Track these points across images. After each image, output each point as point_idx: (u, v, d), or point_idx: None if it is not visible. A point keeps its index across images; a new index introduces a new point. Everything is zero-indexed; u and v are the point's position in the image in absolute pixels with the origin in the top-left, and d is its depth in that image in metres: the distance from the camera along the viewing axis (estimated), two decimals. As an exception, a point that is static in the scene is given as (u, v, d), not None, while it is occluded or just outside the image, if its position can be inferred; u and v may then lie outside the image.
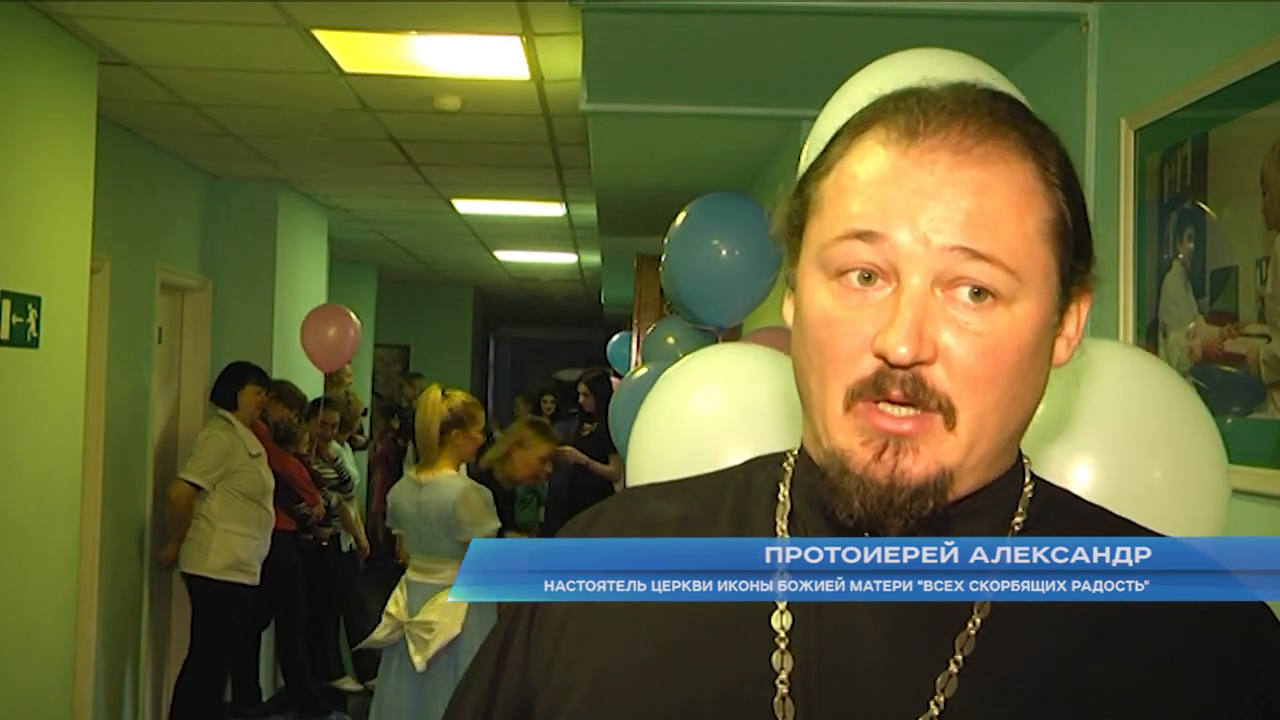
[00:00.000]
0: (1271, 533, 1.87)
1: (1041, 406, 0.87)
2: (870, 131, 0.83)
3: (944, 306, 0.78)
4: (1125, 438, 1.35)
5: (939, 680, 0.80)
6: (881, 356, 0.78)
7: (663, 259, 3.61)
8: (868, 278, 0.80)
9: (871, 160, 0.81)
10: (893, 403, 0.79)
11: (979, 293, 0.78)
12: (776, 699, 0.81)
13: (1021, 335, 0.79)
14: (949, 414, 0.79)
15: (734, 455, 1.49)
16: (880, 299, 0.79)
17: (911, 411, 0.79)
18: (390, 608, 4.16)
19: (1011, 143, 0.80)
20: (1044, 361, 0.83)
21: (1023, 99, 0.92)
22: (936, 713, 0.79)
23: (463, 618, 4.06)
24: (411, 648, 4.07)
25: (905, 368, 0.78)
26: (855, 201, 0.80)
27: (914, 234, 0.78)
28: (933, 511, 0.80)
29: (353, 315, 6.80)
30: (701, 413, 1.63)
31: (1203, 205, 2.05)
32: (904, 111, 0.82)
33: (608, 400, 6.69)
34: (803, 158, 1.56)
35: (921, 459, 0.79)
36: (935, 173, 0.79)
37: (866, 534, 0.81)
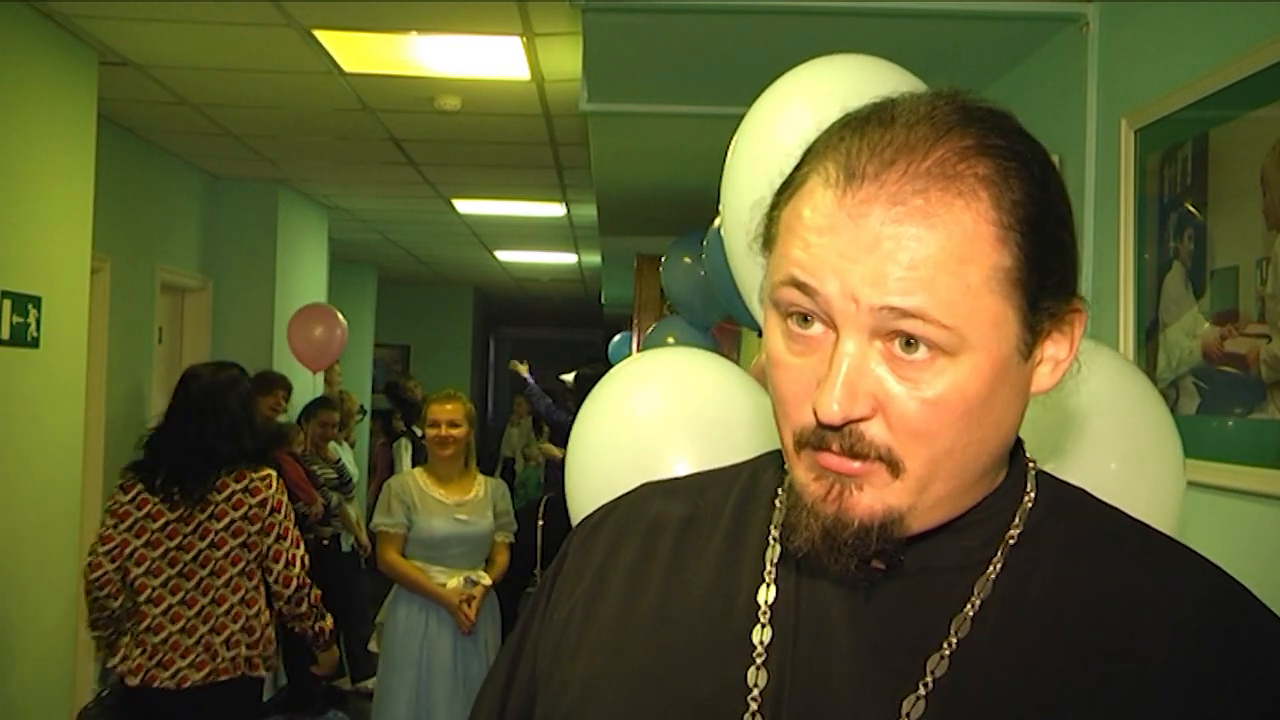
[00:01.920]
0: (1272, 533, 1.87)
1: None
2: (820, 164, 0.79)
3: (882, 359, 0.76)
4: (1081, 430, 1.35)
5: (905, 703, 0.78)
6: (815, 414, 0.77)
7: (701, 258, 3.59)
8: (810, 320, 0.78)
9: (815, 201, 0.78)
10: (834, 454, 0.78)
11: (917, 345, 0.75)
12: (747, 715, 0.81)
13: (966, 388, 0.76)
14: (891, 465, 0.77)
15: (673, 458, 1.48)
16: (826, 346, 0.77)
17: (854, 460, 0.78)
18: None
19: (964, 185, 0.75)
20: (1007, 401, 0.79)
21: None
22: None
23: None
24: None
25: (837, 428, 0.76)
26: (797, 246, 0.78)
27: (844, 292, 0.75)
28: (879, 549, 0.78)
29: (339, 315, 6.78)
30: (639, 417, 1.59)
31: (1203, 205, 2.05)
32: (851, 146, 0.77)
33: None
34: (728, 159, 1.55)
35: (865, 498, 0.77)
36: (868, 227, 0.75)
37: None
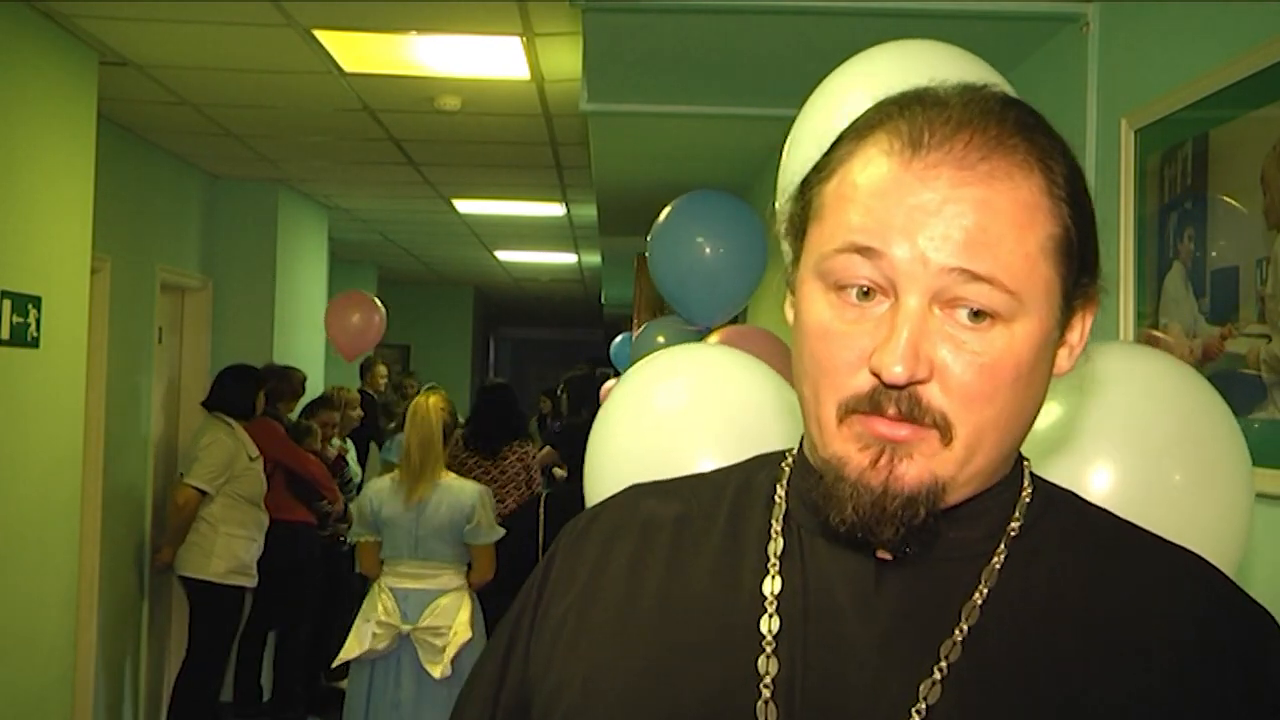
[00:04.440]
0: (1273, 534, 1.87)
1: (1045, 412, 0.86)
2: (874, 138, 0.81)
3: (942, 324, 0.77)
4: (1145, 441, 1.33)
5: (922, 687, 0.79)
6: (876, 374, 0.77)
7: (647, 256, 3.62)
8: (866, 293, 0.78)
9: (874, 170, 0.79)
10: (888, 419, 0.78)
11: (978, 313, 0.77)
12: (759, 703, 0.81)
13: (1020, 353, 0.78)
14: (945, 430, 0.78)
15: (697, 456, 1.45)
16: (878, 314, 0.78)
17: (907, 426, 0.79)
18: (382, 616, 4.06)
19: (1019, 157, 0.78)
20: (1044, 375, 0.82)
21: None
22: (918, 719, 0.78)
23: (469, 621, 4.07)
24: (422, 655, 4.04)
25: (900, 387, 0.77)
26: (855, 213, 0.79)
27: (912, 252, 0.76)
28: (924, 520, 0.79)
29: (378, 301, 6.80)
30: (660, 414, 1.56)
31: (1203, 205, 2.05)
32: (908, 120, 0.79)
33: (581, 401, 6.76)
34: (784, 156, 1.54)
35: (915, 466, 0.78)
36: (937, 189, 0.77)
37: (859, 537, 0.81)
